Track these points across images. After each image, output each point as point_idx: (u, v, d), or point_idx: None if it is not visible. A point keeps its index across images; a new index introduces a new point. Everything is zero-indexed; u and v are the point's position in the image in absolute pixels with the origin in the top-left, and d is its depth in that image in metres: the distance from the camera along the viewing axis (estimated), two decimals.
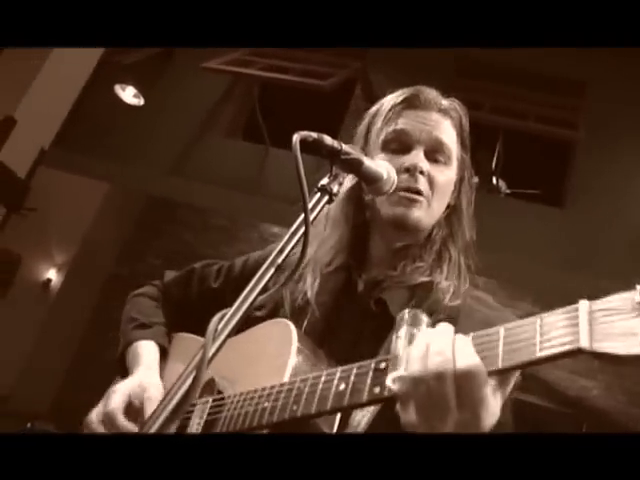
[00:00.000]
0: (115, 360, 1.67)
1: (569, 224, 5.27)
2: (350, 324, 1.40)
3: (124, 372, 1.59)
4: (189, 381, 0.85)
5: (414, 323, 1.03)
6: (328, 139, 1.15)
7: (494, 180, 5.95)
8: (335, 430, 1.17)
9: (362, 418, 1.19)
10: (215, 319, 0.93)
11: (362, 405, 1.05)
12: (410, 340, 1.00)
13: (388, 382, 0.98)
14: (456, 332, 1.00)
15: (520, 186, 6.11)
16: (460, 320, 1.30)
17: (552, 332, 0.85)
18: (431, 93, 1.50)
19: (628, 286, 0.86)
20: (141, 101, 6.45)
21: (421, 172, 1.40)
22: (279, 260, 1.02)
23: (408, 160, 1.41)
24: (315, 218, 1.09)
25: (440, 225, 1.49)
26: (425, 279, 1.41)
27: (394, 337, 1.02)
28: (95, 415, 1.42)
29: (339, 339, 1.38)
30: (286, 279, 1.04)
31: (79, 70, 6.37)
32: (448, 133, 1.48)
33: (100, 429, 1.39)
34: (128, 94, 6.43)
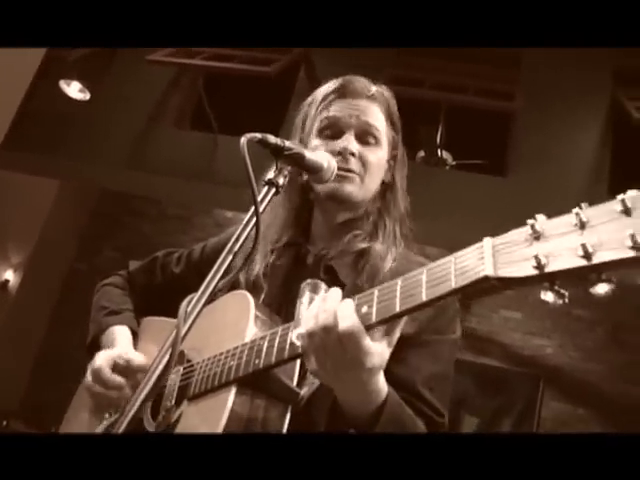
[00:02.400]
0: (86, 346, 1.80)
1: (512, 191, 5.46)
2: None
3: None
4: (167, 356, 1.00)
5: (314, 290, 1.23)
6: (272, 138, 1.30)
7: (439, 153, 6.10)
8: (295, 382, 1.32)
9: None
10: (184, 303, 1.08)
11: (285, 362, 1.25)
12: (310, 304, 1.19)
13: (293, 338, 1.19)
14: None
15: (465, 157, 6.28)
16: None
17: (464, 266, 0.99)
18: (360, 82, 1.65)
19: None
20: (87, 96, 6.43)
21: (352, 154, 1.56)
22: (236, 248, 1.17)
23: (340, 144, 1.57)
24: (264, 209, 1.24)
25: (375, 200, 1.65)
26: (364, 245, 1.57)
27: (298, 302, 1.22)
28: (88, 376, 1.59)
29: (295, 307, 1.54)
30: (242, 264, 1.19)
31: (24, 72, 6.32)
32: (376, 117, 1.63)
33: (94, 387, 1.56)
34: (73, 89, 6.39)
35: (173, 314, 1.06)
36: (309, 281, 1.25)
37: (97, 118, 6.39)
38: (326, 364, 1.13)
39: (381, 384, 1.21)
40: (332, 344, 1.09)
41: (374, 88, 1.66)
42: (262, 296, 1.54)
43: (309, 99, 1.72)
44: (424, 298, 1.03)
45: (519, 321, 7.02)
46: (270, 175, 1.30)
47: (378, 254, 1.55)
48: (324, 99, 1.65)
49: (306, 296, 1.23)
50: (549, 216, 0.96)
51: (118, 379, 1.55)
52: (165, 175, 6.01)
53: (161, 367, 0.99)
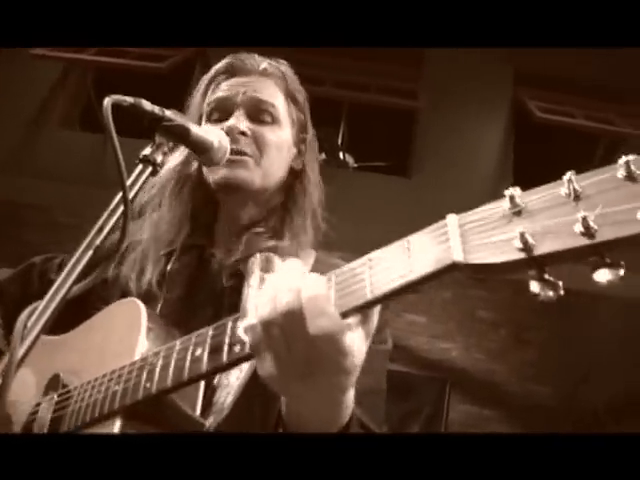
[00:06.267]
0: None
1: (417, 192, 5.42)
2: (208, 302, 1.35)
3: None
4: None
5: (265, 267, 0.96)
6: (147, 104, 1.07)
7: (341, 155, 6.00)
8: (199, 411, 1.08)
9: (227, 396, 1.13)
10: (23, 316, 0.82)
11: (223, 368, 0.96)
12: (262, 285, 0.91)
13: (240, 333, 0.88)
14: None
15: (368, 159, 6.20)
16: None
17: (422, 252, 0.77)
18: (250, 58, 1.49)
19: None
20: None
21: (241, 133, 1.38)
22: (97, 241, 0.91)
23: (226, 124, 1.38)
24: (137, 193, 0.99)
25: (281, 191, 1.48)
26: (269, 244, 1.37)
27: (245, 286, 0.95)
28: None
29: (198, 318, 1.30)
30: (106, 261, 0.94)
31: None
32: (270, 92, 1.46)
33: None
34: None
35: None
36: (258, 256, 0.98)
37: None
38: (288, 364, 0.82)
39: (352, 396, 0.93)
40: (299, 336, 0.80)
41: (267, 63, 1.49)
42: (158, 307, 1.34)
43: (198, 86, 1.54)
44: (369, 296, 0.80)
45: (424, 325, 7.00)
46: (146, 151, 1.05)
47: (287, 253, 1.32)
48: (211, 82, 1.49)
49: (255, 276, 0.95)
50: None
51: None
52: (53, 180, 5.69)
53: None
